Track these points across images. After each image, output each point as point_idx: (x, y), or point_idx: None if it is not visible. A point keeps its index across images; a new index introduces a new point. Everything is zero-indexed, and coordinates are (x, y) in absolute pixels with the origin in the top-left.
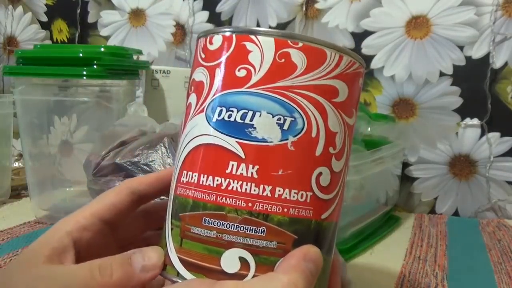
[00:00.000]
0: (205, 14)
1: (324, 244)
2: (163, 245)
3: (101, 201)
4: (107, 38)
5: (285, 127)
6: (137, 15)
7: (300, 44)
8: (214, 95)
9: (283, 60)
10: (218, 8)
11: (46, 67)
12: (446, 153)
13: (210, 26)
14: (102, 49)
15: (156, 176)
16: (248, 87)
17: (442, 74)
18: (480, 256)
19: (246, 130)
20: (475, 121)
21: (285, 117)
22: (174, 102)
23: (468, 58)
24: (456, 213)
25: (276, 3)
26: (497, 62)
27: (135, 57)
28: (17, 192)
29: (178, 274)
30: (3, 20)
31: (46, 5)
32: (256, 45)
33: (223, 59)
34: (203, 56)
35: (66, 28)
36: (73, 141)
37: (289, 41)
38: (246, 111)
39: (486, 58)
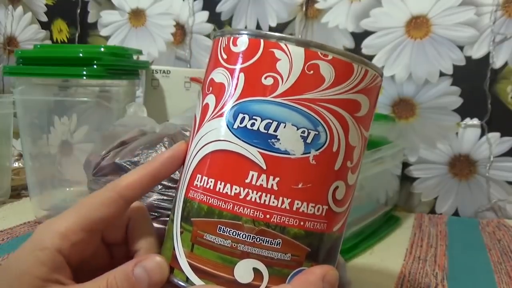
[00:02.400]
0: (205, 14)
1: (333, 255)
2: (168, 246)
3: (90, 213)
4: (107, 38)
5: (309, 140)
6: (137, 15)
7: (330, 57)
8: (237, 100)
9: (311, 72)
10: (218, 8)
11: (46, 67)
12: (446, 153)
13: (210, 26)
14: (102, 49)
15: (145, 176)
16: (274, 97)
17: (442, 74)
18: (480, 256)
19: (269, 140)
20: (475, 121)
21: (309, 131)
22: (174, 102)
23: (468, 58)
24: (456, 213)
25: (276, 3)
26: (497, 62)
27: (135, 57)
28: (17, 192)
29: (187, 279)
30: (3, 20)
31: (46, 5)
32: (286, 53)
33: (248, 63)
34: (224, 56)
35: (66, 28)
36: (73, 141)
37: (319, 53)
38: (271, 121)
39: (486, 58)
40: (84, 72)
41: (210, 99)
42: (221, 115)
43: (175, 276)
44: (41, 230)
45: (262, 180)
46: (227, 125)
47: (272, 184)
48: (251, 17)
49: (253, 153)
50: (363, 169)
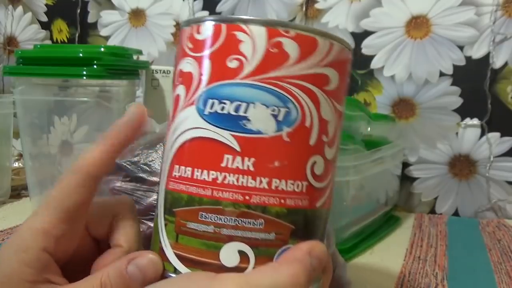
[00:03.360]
0: (205, 14)
1: (318, 232)
2: (156, 240)
3: (64, 203)
4: (107, 38)
5: (280, 118)
6: (137, 15)
7: (292, 33)
8: (205, 87)
9: (275, 50)
10: (218, 8)
11: (46, 67)
12: (446, 153)
13: None
14: (102, 49)
15: (106, 148)
16: (241, 78)
17: (442, 74)
18: (480, 256)
19: (240, 122)
20: (475, 121)
21: (280, 108)
22: None
23: (468, 58)
24: (456, 213)
25: (276, 3)
26: (497, 62)
27: (135, 57)
28: (17, 192)
29: (175, 270)
30: (3, 20)
31: (46, 5)
32: (248, 34)
33: (212, 49)
34: (190, 46)
35: (66, 28)
36: (73, 141)
37: (280, 30)
38: (240, 103)
39: (486, 58)
40: (84, 72)
41: (180, 90)
42: (192, 103)
43: (164, 268)
44: (21, 230)
45: (238, 162)
46: (198, 112)
47: (248, 165)
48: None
49: (226, 136)
50: (363, 169)
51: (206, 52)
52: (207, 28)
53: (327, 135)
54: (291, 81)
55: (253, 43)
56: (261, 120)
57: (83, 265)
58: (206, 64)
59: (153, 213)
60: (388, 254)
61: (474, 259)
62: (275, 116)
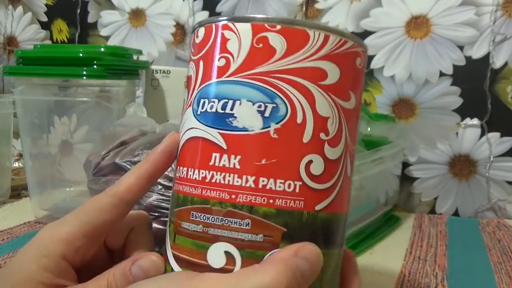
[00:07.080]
0: (205, 14)
1: (324, 238)
2: (164, 242)
3: (92, 219)
4: (107, 38)
5: (267, 114)
6: (137, 15)
7: (278, 27)
8: (199, 87)
9: (260, 45)
10: (218, 8)
11: (46, 67)
12: (446, 153)
13: None
14: (102, 49)
15: (142, 175)
16: (228, 76)
17: (442, 74)
18: (480, 256)
19: (227, 120)
20: (475, 121)
21: (266, 104)
22: (174, 102)
23: (468, 58)
24: (456, 213)
25: (276, 3)
26: (497, 62)
27: (135, 57)
28: (17, 192)
29: (172, 270)
30: (3, 20)
31: (46, 5)
32: (234, 32)
33: (205, 50)
34: (192, 50)
35: (66, 28)
36: (73, 141)
37: (266, 25)
38: (226, 100)
39: (486, 58)
40: (84, 72)
41: (186, 94)
42: (190, 105)
43: (165, 269)
44: (43, 235)
45: (224, 161)
46: (193, 113)
47: (234, 163)
48: None
49: (214, 134)
50: (363, 169)
51: (201, 54)
52: (202, 31)
53: (327, 133)
54: (278, 76)
55: (239, 40)
56: (247, 117)
57: (95, 271)
58: (200, 65)
59: (154, 214)
60: (388, 254)
61: (474, 259)
62: (261, 113)
